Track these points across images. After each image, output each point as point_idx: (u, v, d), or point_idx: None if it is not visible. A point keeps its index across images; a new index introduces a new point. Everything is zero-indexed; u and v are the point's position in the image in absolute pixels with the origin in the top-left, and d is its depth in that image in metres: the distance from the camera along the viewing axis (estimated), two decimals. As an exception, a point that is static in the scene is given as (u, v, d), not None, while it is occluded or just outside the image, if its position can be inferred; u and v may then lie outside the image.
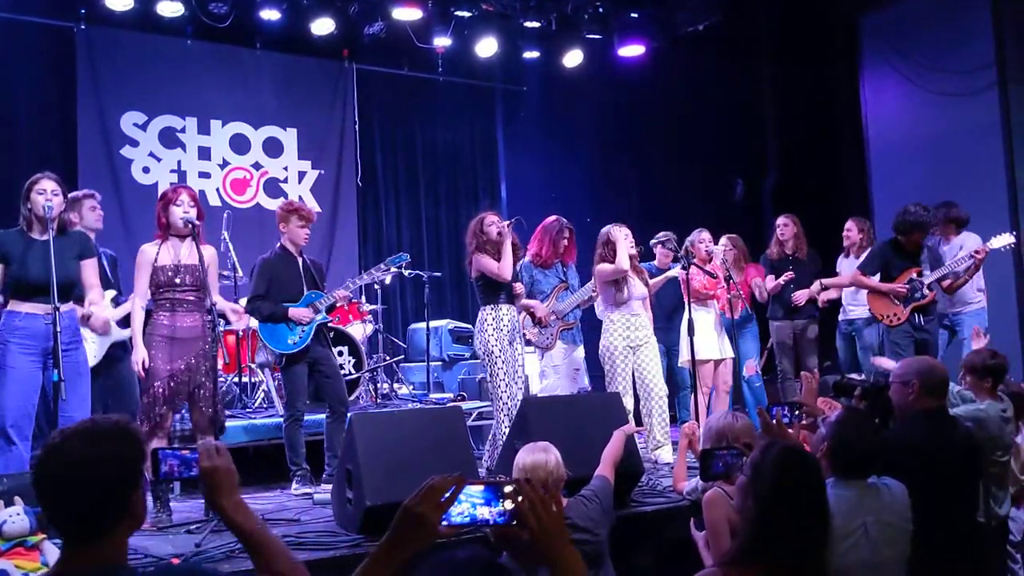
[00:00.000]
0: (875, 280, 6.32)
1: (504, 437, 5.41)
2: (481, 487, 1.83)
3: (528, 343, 6.10)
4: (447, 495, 1.78)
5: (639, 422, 6.02)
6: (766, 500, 2.28)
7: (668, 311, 6.91)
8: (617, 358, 5.90)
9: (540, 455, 3.34)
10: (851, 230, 7.09)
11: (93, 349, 4.90)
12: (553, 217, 6.27)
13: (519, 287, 5.76)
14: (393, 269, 6.33)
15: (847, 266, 6.95)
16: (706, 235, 6.60)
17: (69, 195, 5.27)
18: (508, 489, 1.83)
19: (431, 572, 1.56)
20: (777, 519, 2.25)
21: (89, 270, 4.48)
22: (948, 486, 3.10)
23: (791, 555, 2.22)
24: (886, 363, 4.55)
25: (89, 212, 5.24)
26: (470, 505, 1.82)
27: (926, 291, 6.18)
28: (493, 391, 5.62)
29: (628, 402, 5.84)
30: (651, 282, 6.18)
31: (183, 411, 4.99)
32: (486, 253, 5.60)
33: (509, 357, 5.58)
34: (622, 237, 5.89)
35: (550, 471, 3.30)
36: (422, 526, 1.76)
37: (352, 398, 6.72)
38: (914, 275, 6.22)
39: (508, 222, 5.66)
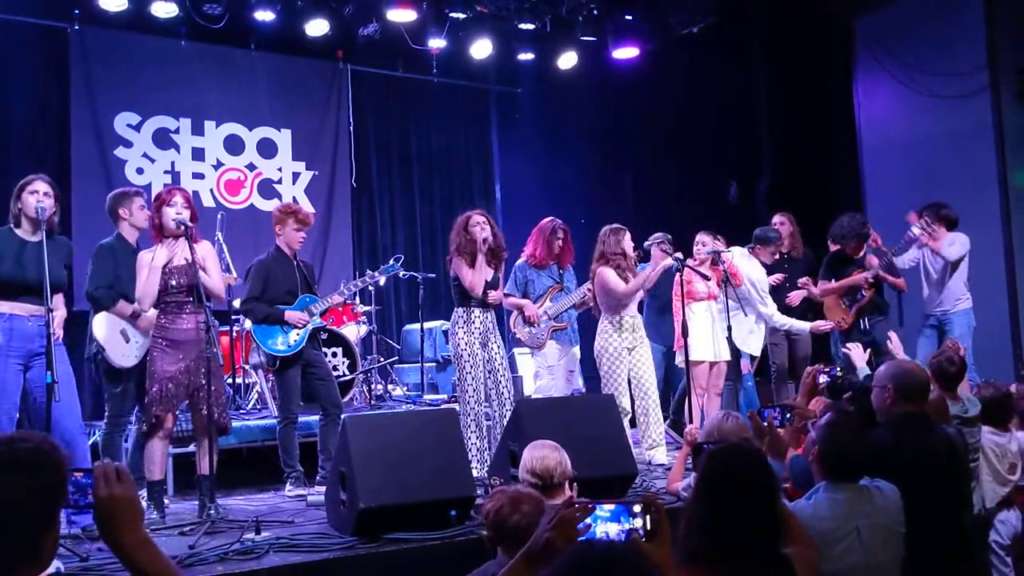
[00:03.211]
0: (816, 287, 6.83)
1: (472, 446, 5.42)
2: (612, 506, 1.93)
3: (518, 343, 6.11)
4: (580, 525, 1.89)
5: (634, 423, 6.04)
6: (699, 497, 2.29)
7: (661, 306, 6.86)
8: (614, 359, 5.91)
9: (550, 449, 3.38)
10: None
11: (134, 349, 4.86)
12: (548, 218, 6.27)
13: (494, 296, 5.67)
14: (384, 278, 6.34)
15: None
16: (704, 237, 6.59)
17: (118, 190, 5.29)
18: (637, 508, 1.92)
19: (572, 558, 1.63)
20: (709, 517, 2.24)
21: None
22: (928, 490, 3.07)
23: (731, 554, 2.20)
24: (855, 352, 4.55)
25: (139, 211, 5.08)
26: (595, 520, 1.92)
27: (863, 292, 6.60)
28: (461, 396, 5.61)
29: (624, 403, 5.86)
30: (647, 276, 6.14)
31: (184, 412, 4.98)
32: (464, 257, 5.57)
33: (480, 360, 5.56)
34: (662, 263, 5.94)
35: (560, 461, 3.34)
36: (553, 552, 1.84)
37: (346, 399, 6.73)
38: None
39: (487, 236, 5.53)
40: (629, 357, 5.92)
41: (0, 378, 4.17)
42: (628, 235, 6.02)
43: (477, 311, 5.60)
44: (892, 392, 3.43)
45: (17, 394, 4.21)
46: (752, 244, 7.05)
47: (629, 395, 5.93)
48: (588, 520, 1.91)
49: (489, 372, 5.58)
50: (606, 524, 1.91)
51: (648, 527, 1.91)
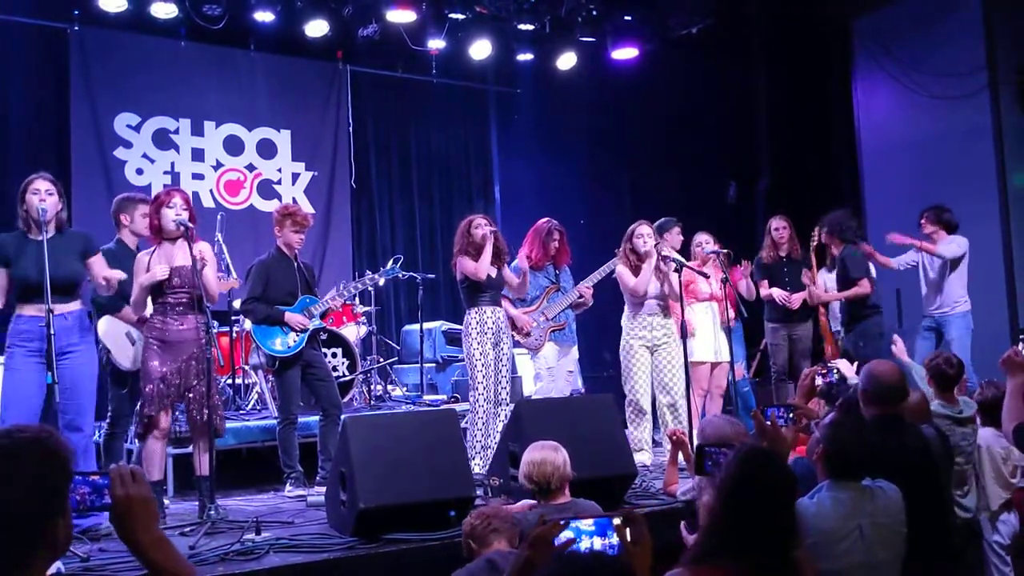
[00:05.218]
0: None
1: (477, 443, 5.44)
2: (591, 520, 1.97)
3: (516, 344, 6.12)
4: (558, 542, 1.92)
5: (655, 422, 6.06)
6: (726, 498, 2.31)
7: None
8: (631, 358, 5.93)
9: (549, 452, 3.40)
10: None
11: (140, 351, 4.80)
12: (544, 219, 6.29)
13: (510, 276, 5.76)
14: (383, 280, 6.36)
15: (830, 279, 7.06)
16: (703, 237, 6.61)
17: (123, 194, 5.29)
18: (617, 521, 1.96)
19: (557, 567, 1.65)
20: (736, 517, 2.27)
21: (97, 266, 4.43)
22: (905, 491, 3.05)
23: (753, 554, 2.22)
24: (842, 364, 4.58)
25: (141, 218, 5.03)
26: (579, 536, 1.95)
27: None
28: (471, 395, 5.64)
29: (645, 402, 5.89)
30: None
31: (178, 413, 4.98)
32: (468, 255, 5.62)
33: (492, 360, 5.59)
34: (651, 257, 5.85)
35: (558, 466, 3.36)
36: (533, 570, 1.89)
37: (346, 400, 6.73)
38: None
39: (492, 228, 5.66)
40: (652, 357, 5.94)
41: (21, 378, 4.18)
42: (642, 228, 6.00)
43: (488, 310, 5.63)
44: (862, 396, 3.44)
45: (39, 394, 4.17)
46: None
47: (650, 395, 5.94)
48: (570, 534, 1.94)
49: (494, 372, 5.60)
50: (591, 538, 1.94)
51: (629, 539, 1.96)
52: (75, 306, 4.33)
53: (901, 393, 3.47)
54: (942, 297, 6.85)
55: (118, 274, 4.52)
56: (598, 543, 1.94)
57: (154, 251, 4.62)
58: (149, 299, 4.63)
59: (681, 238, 6.79)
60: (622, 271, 5.99)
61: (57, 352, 4.11)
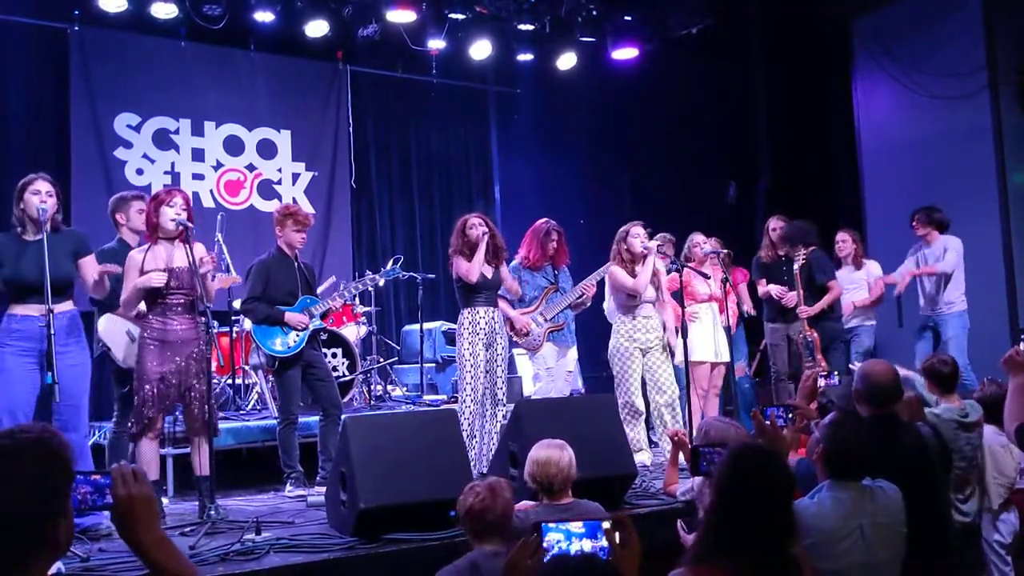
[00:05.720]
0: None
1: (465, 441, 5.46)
2: (581, 522, 2.00)
3: (515, 345, 6.12)
4: (539, 547, 1.96)
5: (649, 424, 6.07)
6: (722, 496, 2.31)
7: None
8: (626, 360, 5.93)
9: (555, 451, 3.40)
10: (845, 241, 7.30)
11: (135, 349, 4.83)
12: (543, 220, 6.28)
13: (511, 284, 5.78)
14: (383, 280, 6.36)
15: (841, 277, 7.07)
16: (700, 237, 6.63)
17: (118, 194, 5.31)
18: (607, 524, 1.99)
19: (550, 570, 1.66)
20: (732, 516, 2.27)
21: (89, 268, 4.43)
22: (903, 491, 3.03)
23: (750, 552, 2.22)
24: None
25: (136, 215, 5.07)
26: (569, 538, 1.97)
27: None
28: (460, 394, 5.67)
29: (640, 403, 5.91)
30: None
31: (177, 413, 4.97)
32: (463, 256, 5.63)
33: (483, 360, 5.58)
34: (651, 255, 5.86)
35: (562, 468, 3.35)
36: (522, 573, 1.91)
37: (346, 400, 6.73)
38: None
39: (484, 230, 5.65)
40: (643, 359, 5.94)
41: (14, 378, 4.16)
42: (636, 229, 6.02)
43: (482, 311, 5.62)
44: (856, 396, 3.45)
45: (32, 394, 4.18)
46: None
47: (643, 396, 5.94)
48: (560, 536, 1.96)
49: (486, 373, 5.60)
50: (580, 541, 1.97)
51: (618, 542, 1.99)
52: (68, 306, 4.31)
53: (895, 393, 3.47)
54: (939, 297, 6.94)
55: (112, 268, 4.51)
56: (588, 545, 1.96)
57: (148, 249, 4.59)
58: (145, 300, 4.61)
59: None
60: (616, 271, 5.99)
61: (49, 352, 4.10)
